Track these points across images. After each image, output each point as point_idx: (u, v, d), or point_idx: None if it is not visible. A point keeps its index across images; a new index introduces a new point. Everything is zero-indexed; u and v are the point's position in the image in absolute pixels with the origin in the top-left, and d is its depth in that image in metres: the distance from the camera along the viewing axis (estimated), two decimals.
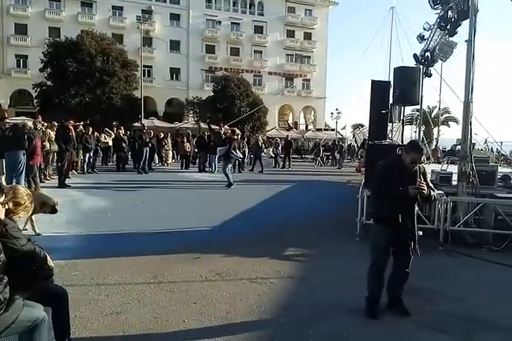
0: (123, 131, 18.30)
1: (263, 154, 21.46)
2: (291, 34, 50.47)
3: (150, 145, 16.20)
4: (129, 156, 17.23)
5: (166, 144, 19.95)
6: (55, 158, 12.46)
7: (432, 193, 3.85)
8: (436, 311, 4.04)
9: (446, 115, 41.26)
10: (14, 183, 8.05)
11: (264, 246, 6.10)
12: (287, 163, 22.08)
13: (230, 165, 12.65)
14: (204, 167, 17.98)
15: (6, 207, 2.58)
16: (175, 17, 45.62)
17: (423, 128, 22.73)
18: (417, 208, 4.04)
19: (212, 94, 35.77)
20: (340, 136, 38.87)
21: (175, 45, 45.74)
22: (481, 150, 20.32)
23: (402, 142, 11.32)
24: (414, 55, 13.75)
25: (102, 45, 31.10)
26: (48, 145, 11.80)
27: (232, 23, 47.70)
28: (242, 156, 16.21)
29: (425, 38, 13.60)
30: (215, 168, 17.07)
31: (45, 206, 5.79)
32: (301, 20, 50.49)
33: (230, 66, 46.80)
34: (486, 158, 9.58)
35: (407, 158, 3.76)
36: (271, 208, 9.63)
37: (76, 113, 24.21)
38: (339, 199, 11.21)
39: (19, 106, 37.96)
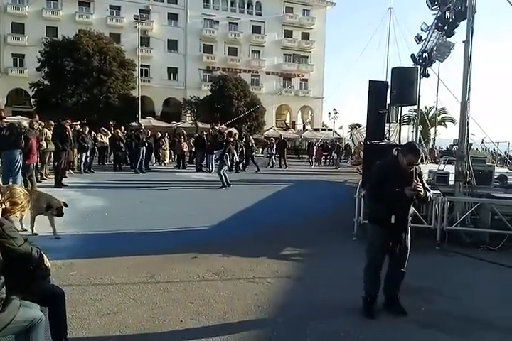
0: (122, 131, 18.28)
1: (258, 154, 21.47)
2: (289, 34, 50.50)
3: (147, 144, 16.19)
4: (127, 156, 17.22)
5: (163, 144, 19.93)
6: (52, 157, 12.44)
7: (428, 194, 3.86)
8: (433, 310, 4.05)
9: (444, 115, 41.40)
10: (10, 183, 8.04)
11: (262, 246, 6.10)
12: (283, 162, 22.13)
13: (226, 167, 12.60)
14: (201, 167, 17.99)
15: (3, 206, 2.58)
16: (173, 17, 45.57)
17: (420, 128, 22.78)
18: (413, 209, 4.05)
19: (210, 93, 35.79)
20: (337, 136, 38.91)
21: (172, 45, 45.70)
22: (478, 150, 20.38)
23: (400, 142, 11.35)
24: (412, 56, 13.77)
25: (99, 44, 31.04)
26: (44, 144, 11.78)
27: (230, 22, 47.66)
28: (236, 160, 16.50)
29: (423, 38, 13.61)
30: (212, 167, 17.07)
31: (51, 208, 5.80)
32: (299, 21, 50.49)
33: (227, 66, 46.76)
34: (483, 158, 9.60)
35: (404, 159, 3.72)
36: (268, 208, 9.64)
37: (73, 112, 24.19)
38: (336, 199, 11.22)
39: (16, 106, 37.78)
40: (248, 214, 8.79)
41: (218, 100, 33.94)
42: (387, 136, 10.83)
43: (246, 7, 48.44)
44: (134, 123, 29.48)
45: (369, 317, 3.81)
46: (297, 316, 3.82)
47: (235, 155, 15.78)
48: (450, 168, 8.62)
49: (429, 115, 38.03)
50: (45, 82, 30.74)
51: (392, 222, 3.78)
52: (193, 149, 20.17)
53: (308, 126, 49.63)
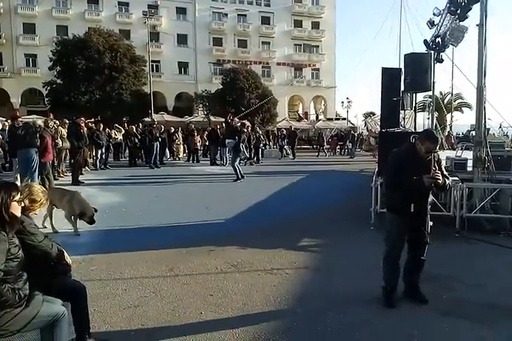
0: (139, 127, 18.40)
1: (266, 146, 21.57)
2: (298, 24, 49.91)
3: (160, 139, 16.28)
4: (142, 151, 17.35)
5: (176, 138, 20.00)
6: (68, 155, 12.61)
7: (447, 182, 3.78)
8: (455, 298, 4.00)
9: (459, 101, 40.60)
10: (28, 181, 8.17)
11: (279, 237, 6.10)
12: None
13: (239, 159, 12.51)
14: (215, 160, 18.04)
15: (22, 204, 2.61)
16: (181, 11, 45.40)
17: (436, 114, 22.36)
18: (431, 197, 3.98)
19: (221, 86, 35.65)
20: (351, 125, 38.54)
21: (182, 39, 45.60)
22: (496, 135, 19.96)
23: (415, 129, 11.19)
24: (425, 41, 13.48)
25: (109, 41, 31.21)
26: (60, 142, 11.93)
27: (238, 14, 47.31)
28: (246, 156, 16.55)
29: (435, 23, 13.30)
30: (226, 160, 17.10)
31: (85, 215, 5.85)
32: (308, 10, 49.87)
33: (237, 58, 46.51)
34: (502, 143, 9.37)
35: (422, 147, 3.64)
36: (283, 199, 9.62)
37: (86, 110, 24.40)
38: (352, 188, 11.15)
39: (30, 105, 38.27)
40: (264, 205, 8.80)
41: (230, 93, 33.82)
42: (402, 123, 10.70)
43: None
44: (147, 119, 29.68)
45: (389, 307, 3.79)
46: (316, 307, 3.82)
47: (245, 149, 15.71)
48: (468, 154, 8.46)
49: (445, 101, 37.28)
50: (58, 81, 31.05)
51: (412, 210, 3.72)
52: (207, 143, 20.20)
53: (321, 116, 49.23)
